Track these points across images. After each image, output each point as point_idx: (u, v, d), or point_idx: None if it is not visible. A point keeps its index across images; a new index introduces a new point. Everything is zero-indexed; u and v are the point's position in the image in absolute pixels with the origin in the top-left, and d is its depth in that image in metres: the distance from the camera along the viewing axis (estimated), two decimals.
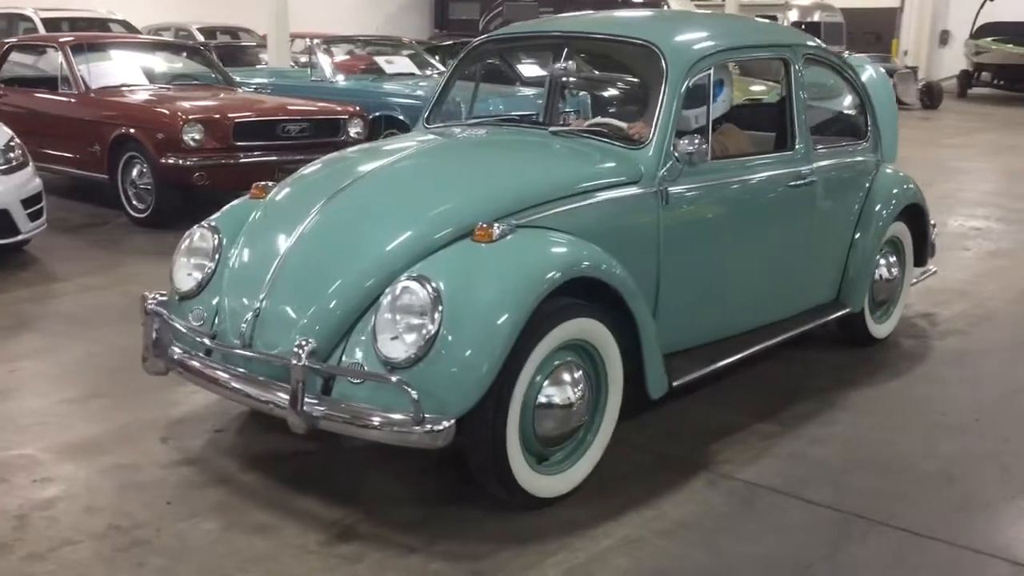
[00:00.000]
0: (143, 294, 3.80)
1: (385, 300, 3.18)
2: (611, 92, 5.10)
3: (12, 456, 3.75)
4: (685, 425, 4.13)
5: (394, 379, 3.02)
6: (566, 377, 3.34)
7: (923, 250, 5.43)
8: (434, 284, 3.12)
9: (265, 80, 11.14)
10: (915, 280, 5.53)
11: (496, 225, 3.28)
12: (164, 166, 7.61)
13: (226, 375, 3.35)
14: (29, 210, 6.52)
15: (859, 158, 4.92)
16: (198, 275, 3.74)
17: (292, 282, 3.37)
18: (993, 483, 3.73)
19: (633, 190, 3.74)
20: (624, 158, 3.83)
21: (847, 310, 4.85)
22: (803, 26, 19.10)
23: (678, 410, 4.21)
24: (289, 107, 8.28)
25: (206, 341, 3.49)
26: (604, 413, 3.53)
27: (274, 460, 3.78)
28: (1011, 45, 22.27)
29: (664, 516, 3.40)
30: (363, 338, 3.22)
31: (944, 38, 26.56)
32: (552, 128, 4.14)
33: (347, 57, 11.85)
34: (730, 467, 3.78)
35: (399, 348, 3.10)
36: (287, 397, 3.13)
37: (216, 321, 3.59)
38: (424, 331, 3.07)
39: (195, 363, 3.46)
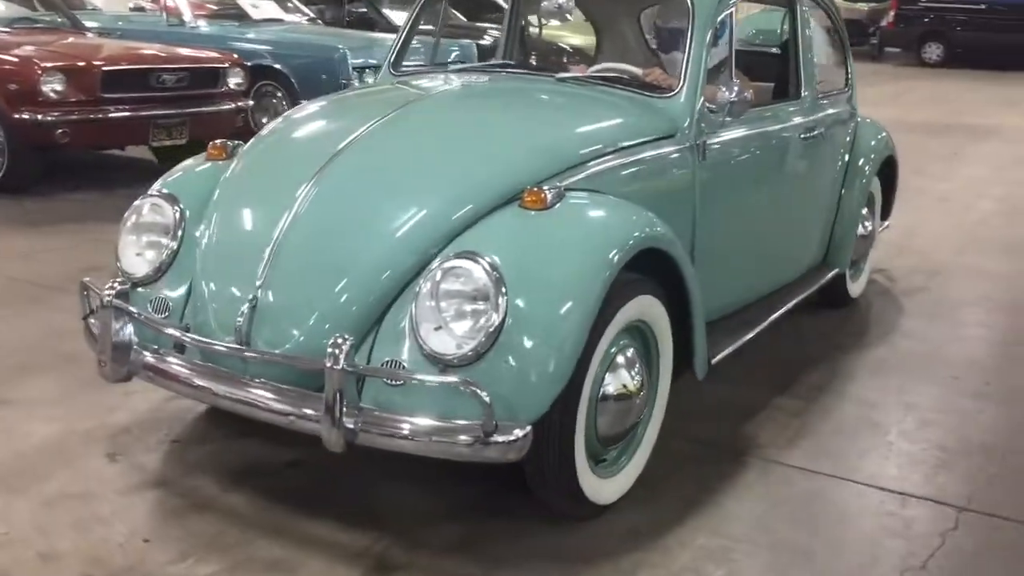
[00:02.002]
0: (83, 281, 3.09)
1: (425, 284, 2.61)
2: (634, 36, 4.54)
3: None
4: (705, 405, 3.74)
5: (456, 380, 2.47)
6: (623, 364, 2.87)
7: (890, 203, 5.22)
8: (490, 261, 2.57)
9: (107, 25, 9.97)
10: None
11: (548, 189, 2.75)
12: (18, 122, 6.57)
13: (229, 385, 2.69)
14: None
15: (844, 108, 4.62)
16: (153, 256, 3.06)
17: (297, 265, 2.74)
18: None
19: (671, 144, 3.28)
20: (654, 109, 3.36)
21: (836, 271, 4.57)
22: None
23: (686, 388, 3.80)
24: (164, 55, 7.33)
25: (183, 337, 2.81)
26: (655, 401, 3.09)
27: (258, 475, 3.15)
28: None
29: (732, 516, 3.00)
30: (398, 331, 2.64)
31: None
32: (559, 75, 3.60)
33: None
34: (774, 451, 3.42)
35: (449, 341, 2.55)
36: (304, 409, 2.55)
37: (188, 313, 2.92)
38: (484, 319, 2.53)
39: (178, 368, 2.79)
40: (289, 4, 10.41)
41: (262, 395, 2.63)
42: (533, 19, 4.70)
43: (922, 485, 3.23)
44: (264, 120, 8.89)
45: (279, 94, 8.90)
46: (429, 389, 2.53)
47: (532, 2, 4.64)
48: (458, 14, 12.52)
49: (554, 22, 13.92)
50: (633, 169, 3.15)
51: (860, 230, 4.82)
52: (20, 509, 2.90)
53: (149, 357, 2.83)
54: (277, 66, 8.80)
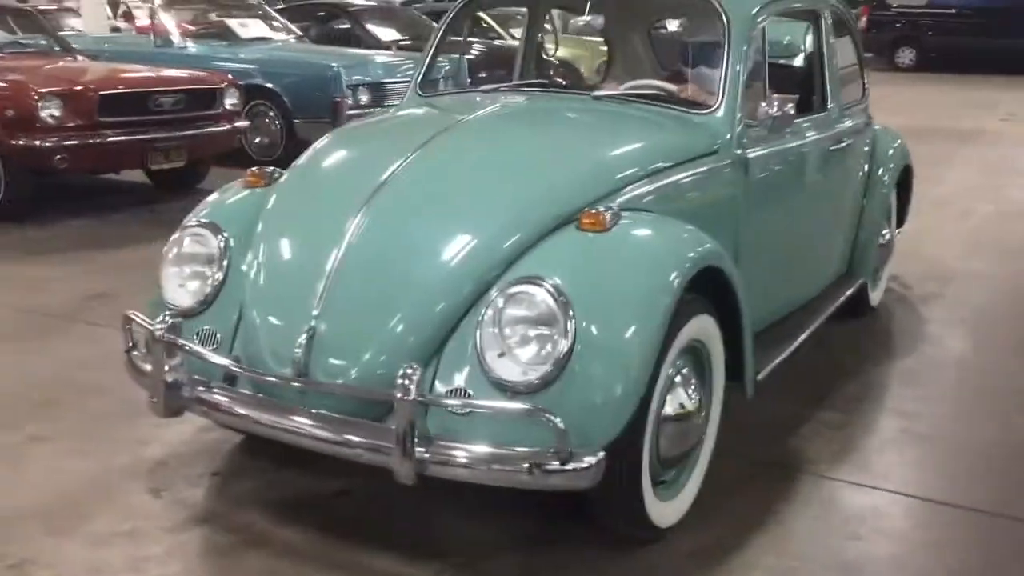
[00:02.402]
0: (127, 314, 3.02)
1: (488, 311, 2.57)
2: (645, 50, 4.51)
3: None
4: (745, 421, 3.68)
5: (529, 407, 2.42)
6: (681, 383, 2.84)
7: (905, 210, 5.24)
8: (555, 286, 2.53)
9: (92, 47, 9.84)
10: None
11: (607, 210, 2.72)
12: (16, 148, 6.47)
13: (290, 418, 2.63)
14: None
15: (863, 118, 4.63)
16: (198, 287, 2.99)
17: (353, 296, 2.68)
18: None
19: (714, 161, 3.26)
20: (695, 125, 3.34)
21: (861, 280, 4.57)
22: None
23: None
24: (160, 77, 7.24)
25: (242, 371, 2.75)
26: (710, 419, 3.06)
27: (307, 507, 3.09)
28: None
29: (794, 535, 2.97)
30: (460, 358, 2.59)
31: None
32: (595, 93, 3.57)
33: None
34: (824, 466, 3.39)
35: (514, 368, 2.51)
36: (375, 441, 2.50)
37: (237, 344, 2.87)
38: (552, 345, 2.49)
39: (237, 403, 2.72)
40: (276, 23, 10.34)
41: (327, 428, 2.57)
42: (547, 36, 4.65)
43: (972, 495, 3.22)
44: (257, 140, 8.83)
45: (271, 113, 8.83)
46: (495, 417, 2.49)
47: (542, 19, 4.62)
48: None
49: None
50: (680, 187, 3.13)
51: (880, 239, 4.83)
52: (70, 551, 2.82)
53: (204, 392, 2.76)
54: (269, 85, 8.73)
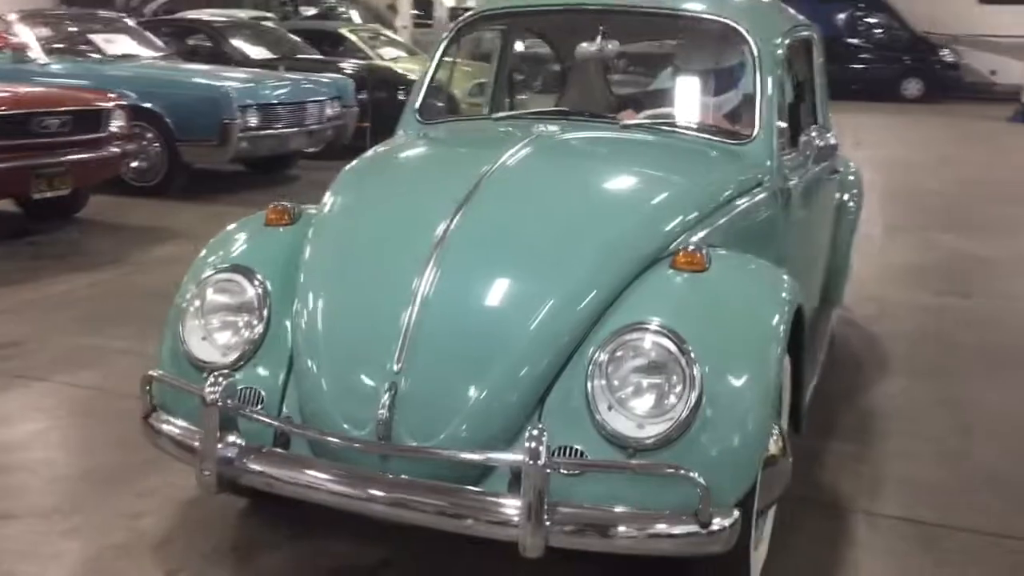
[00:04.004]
0: (149, 374, 2.64)
1: (596, 359, 2.35)
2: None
3: None
4: None
5: (668, 464, 2.22)
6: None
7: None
8: (671, 331, 2.33)
9: None
10: None
11: (700, 249, 2.56)
12: None
13: (381, 488, 2.32)
14: None
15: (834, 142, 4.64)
16: (232, 340, 2.64)
17: (438, 352, 2.40)
18: None
19: (762, 192, 3.15)
20: (737, 156, 3.22)
21: (837, 307, 4.59)
22: None
23: None
24: (46, 95, 6.59)
25: (322, 437, 2.41)
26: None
27: None
28: None
29: None
30: (566, 413, 2.35)
31: None
32: (623, 122, 3.40)
33: None
34: (865, 501, 3.33)
35: (626, 422, 2.30)
36: (500, 511, 2.23)
37: (287, 404, 2.54)
38: (675, 395, 2.29)
39: (312, 473, 2.39)
40: (141, 38, 9.67)
41: (441, 498, 2.28)
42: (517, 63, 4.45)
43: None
44: (135, 165, 8.19)
45: (150, 135, 8.22)
46: (607, 478, 2.28)
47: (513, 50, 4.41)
48: (310, 47, 12.09)
49: (400, 54, 13.76)
50: (741, 221, 3.00)
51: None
52: None
53: (270, 462, 2.42)
54: (148, 105, 8.12)
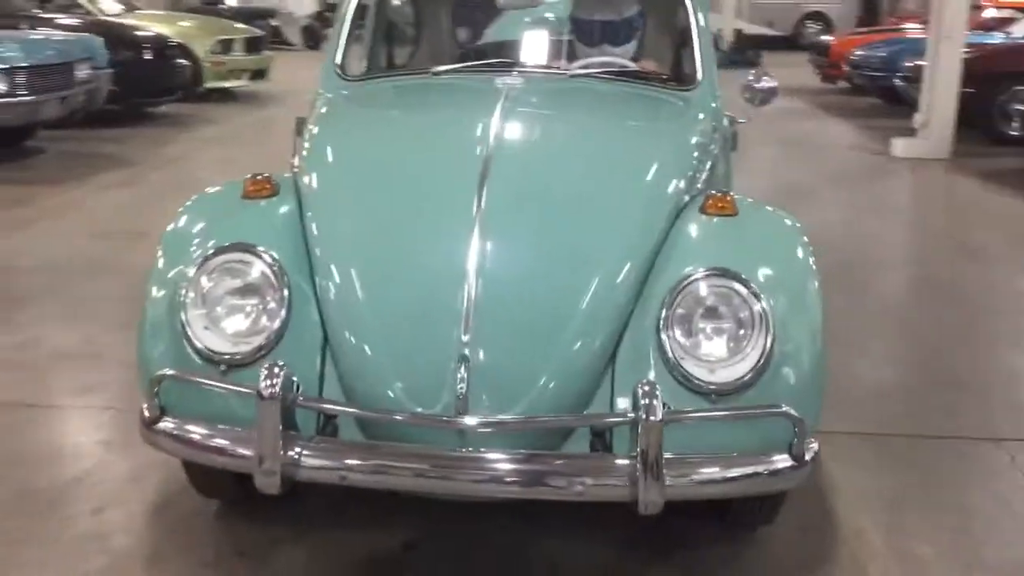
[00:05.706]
0: (162, 373, 2.31)
1: (668, 311, 2.33)
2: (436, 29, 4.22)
3: None
4: None
5: (772, 405, 2.24)
6: None
7: None
8: (735, 274, 2.36)
9: None
10: None
11: (729, 193, 2.60)
12: None
13: (488, 464, 2.18)
14: None
15: None
16: (250, 326, 2.37)
17: (505, 321, 2.29)
18: None
19: (721, 140, 3.22)
20: (690, 103, 3.26)
21: None
22: None
23: None
24: None
25: (408, 420, 2.22)
26: None
27: (378, 569, 2.62)
28: None
29: None
30: (638, 368, 2.32)
31: None
32: (570, 72, 3.33)
33: None
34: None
35: (702, 368, 2.31)
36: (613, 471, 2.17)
37: (328, 388, 2.34)
38: (748, 338, 2.30)
39: (387, 458, 2.20)
40: None
41: (552, 467, 2.18)
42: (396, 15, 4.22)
43: None
44: None
45: None
46: (698, 425, 2.29)
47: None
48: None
49: (120, 7, 12.66)
50: (717, 165, 3.06)
51: None
52: None
53: (339, 452, 2.21)
54: None
